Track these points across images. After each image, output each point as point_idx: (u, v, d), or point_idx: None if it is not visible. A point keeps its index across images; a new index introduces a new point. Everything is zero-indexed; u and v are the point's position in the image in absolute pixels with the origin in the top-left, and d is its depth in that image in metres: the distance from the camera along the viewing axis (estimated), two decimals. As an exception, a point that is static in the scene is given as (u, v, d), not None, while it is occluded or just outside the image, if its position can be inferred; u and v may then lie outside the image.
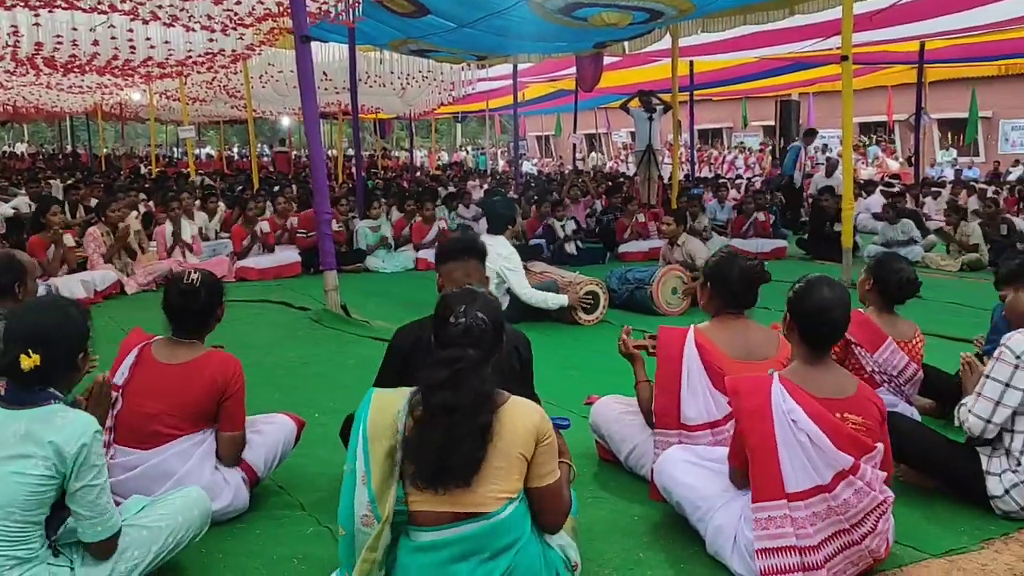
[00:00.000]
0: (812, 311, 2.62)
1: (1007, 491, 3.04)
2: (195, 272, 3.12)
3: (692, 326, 3.26)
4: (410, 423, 2.20)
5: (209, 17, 8.99)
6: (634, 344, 3.46)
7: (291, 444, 3.33)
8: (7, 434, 2.24)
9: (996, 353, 3.05)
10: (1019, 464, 3.02)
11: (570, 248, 10.32)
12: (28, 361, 2.25)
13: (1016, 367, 2.96)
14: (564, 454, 2.54)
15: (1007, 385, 2.98)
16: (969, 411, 3.05)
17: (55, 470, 2.22)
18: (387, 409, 2.25)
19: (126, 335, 3.23)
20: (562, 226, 10.48)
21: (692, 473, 2.87)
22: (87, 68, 12.23)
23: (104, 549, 2.35)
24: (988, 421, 3.01)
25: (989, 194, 13.05)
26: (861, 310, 3.69)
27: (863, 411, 2.60)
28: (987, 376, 3.03)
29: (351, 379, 5.07)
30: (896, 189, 15.13)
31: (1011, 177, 19.84)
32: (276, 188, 13.87)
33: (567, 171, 22.87)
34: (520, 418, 2.22)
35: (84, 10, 8.66)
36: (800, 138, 14.64)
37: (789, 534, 2.49)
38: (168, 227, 8.78)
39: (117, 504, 2.58)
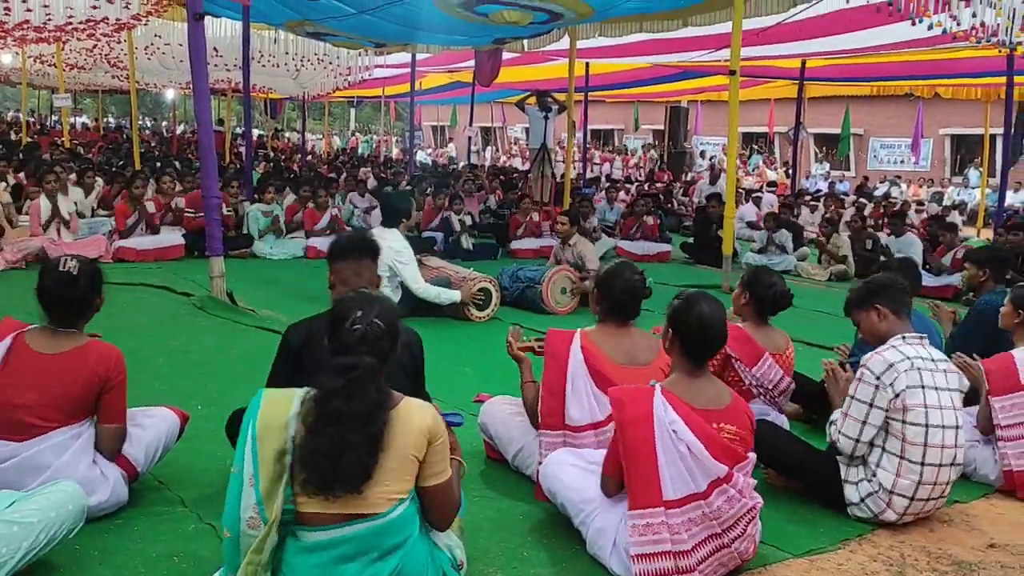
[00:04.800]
0: (693, 326, 2.75)
1: (863, 499, 3.27)
2: (72, 258, 2.96)
3: (579, 330, 3.39)
4: (301, 428, 2.18)
5: (94, -17, 8.55)
6: (521, 346, 3.55)
7: (173, 438, 3.24)
8: None
9: (858, 375, 3.27)
10: (874, 475, 3.25)
11: (466, 243, 10.36)
12: None
13: (876, 387, 3.19)
14: (455, 450, 2.57)
15: (871, 405, 3.20)
16: (840, 432, 3.26)
17: None
18: (278, 409, 2.23)
19: (-5, 322, 3.06)
20: (460, 220, 10.51)
21: (577, 476, 2.97)
22: (-47, 26, 11.41)
23: None
24: (857, 440, 3.23)
25: (866, 211, 13.83)
26: (739, 324, 3.88)
27: (737, 421, 2.76)
28: (852, 397, 3.25)
29: (236, 370, 4.96)
30: (760, 195, 15.88)
31: (878, 192, 21.09)
32: (159, 165, 13.36)
33: (461, 164, 22.88)
34: (413, 420, 2.24)
35: (-45, -34, 8.08)
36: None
37: (665, 540, 2.62)
38: (43, 202, 8.24)
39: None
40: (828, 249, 10.47)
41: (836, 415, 3.35)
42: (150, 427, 3.14)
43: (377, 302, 2.34)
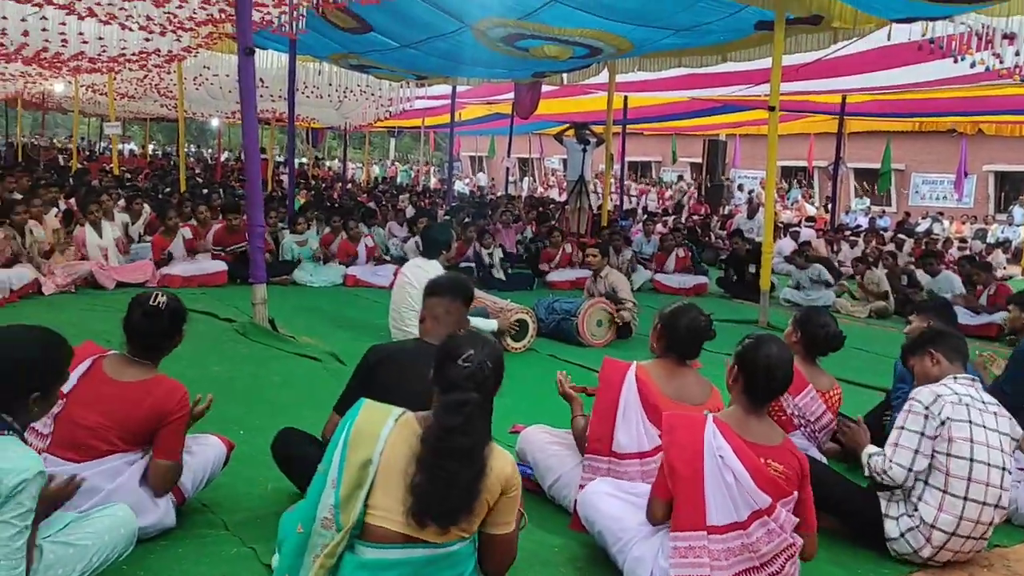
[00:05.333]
0: (759, 367, 2.79)
1: (902, 534, 3.26)
2: (162, 295, 3.08)
3: (635, 362, 3.45)
4: (411, 461, 2.23)
5: (148, 18, 8.85)
6: (572, 386, 3.65)
7: (220, 466, 3.32)
8: None
9: (907, 406, 3.29)
10: (916, 510, 3.25)
11: (497, 274, 10.43)
12: None
13: (926, 416, 3.22)
14: (520, 502, 2.63)
15: (922, 434, 3.22)
16: (891, 461, 3.27)
17: None
18: (373, 422, 2.30)
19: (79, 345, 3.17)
20: (489, 253, 10.60)
21: (615, 505, 3.00)
22: (13, 57, 11.86)
23: None
24: (909, 469, 3.24)
25: (906, 247, 13.69)
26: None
27: (785, 461, 2.78)
28: (903, 428, 3.27)
29: (277, 396, 5.05)
30: (797, 230, 15.73)
31: (920, 229, 20.84)
32: (205, 192, 13.67)
33: (498, 194, 23.05)
34: (495, 465, 2.29)
35: (19, 1, 8.42)
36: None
37: (705, 564, 2.64)
38: (89, 232, 8.49)
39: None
40: (864, 286, 10.37)
41: (872, 448, 3.36)
42: (198, 454, 3.22)
43: (488, 343, 2.42)
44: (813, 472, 3.39)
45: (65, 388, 2.88)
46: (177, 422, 2.99)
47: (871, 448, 3.40)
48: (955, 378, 3.37)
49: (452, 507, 2.20)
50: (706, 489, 2.66)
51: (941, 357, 3.48)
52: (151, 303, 3.01)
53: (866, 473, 3.40)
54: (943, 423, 3.19)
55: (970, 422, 3.20)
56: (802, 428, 3.91)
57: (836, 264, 12.61)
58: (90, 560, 2.49)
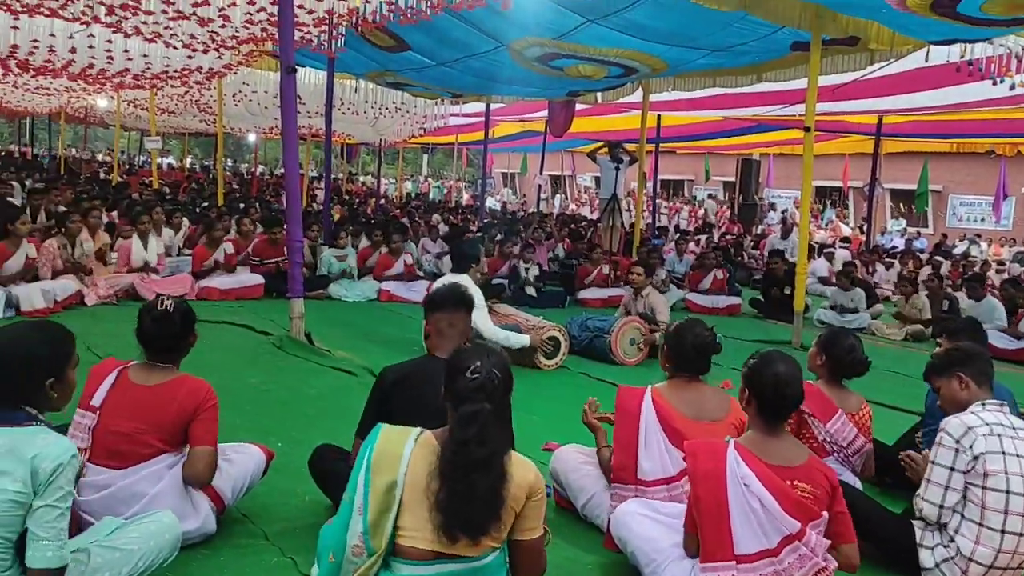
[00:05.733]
0: (768, 385, 2.78)
1: (937, 565, 3.21)
2: (168, 299, 3.16)
3: (649, 386, 3.45)
4: (433, 476, 2.27)
5: (192, 37, 9.06)
6: (597, 416, 3.65)
7: (259, 475, 3.39)
8: None
9: (937, 439, 3.24)
10: (952, 541, 3.20)
11: (530, 290, 10.48)
12: None
13: (956, 450, 3.15)
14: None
15: (952, 469, 3.16)
16: (922, 498, 3.23)
17: (28, 486, 2.26)
18: (393, 444, 2.35)
19: (99, 361, 3.28)
20: (526, 269, 10.64)
21: (648, 526, 3.01)
22: (60, 73, 12.17)
23: None
24: (940, 506, 3.19)
25: (943, 269, 13.50)
26: (811, 382, 3.88)
27: (812, 480, 2.76)
28: (933, 462, 3.22)
29: (313, 409, 5.13)
30: (832, 251, 15.56)
31: (957, 251, 20.58)
32: (242, 206, 13.87)
33: (530, 211, 23.13)
34: (516, 473, 2.33)
35: (67, 19, 8.67)
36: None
37: (737, 593, 2.63)
38: (135, 243, 8.68)
39: (89, 524, 2.63)
40: (906, 312, 10.24)
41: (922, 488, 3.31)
42: (238, 462, 3.30)
43: (494, 354, 2.46)
44: (846, 497, 3.38)
45: (96, 401, 2.99)
46: (207, 413, 3.07)
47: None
48: (983, 404, 3.29)
49: (478, 518, 2.24)
50: (732, 519, 2.65)
51: (971, 381, 3.39)
52: (158, 308, 3.10)
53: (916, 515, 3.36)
54: (976, 458, 3.12)
55: (1003, 453, 3.12)
56: (835, 454, 3.89)
57: (872, 285, 12.48)
58: (135, 564, 2.56)
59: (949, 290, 11.11)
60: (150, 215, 9.08)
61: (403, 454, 2.32)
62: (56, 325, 2.68)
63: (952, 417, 3.25)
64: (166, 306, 3.11)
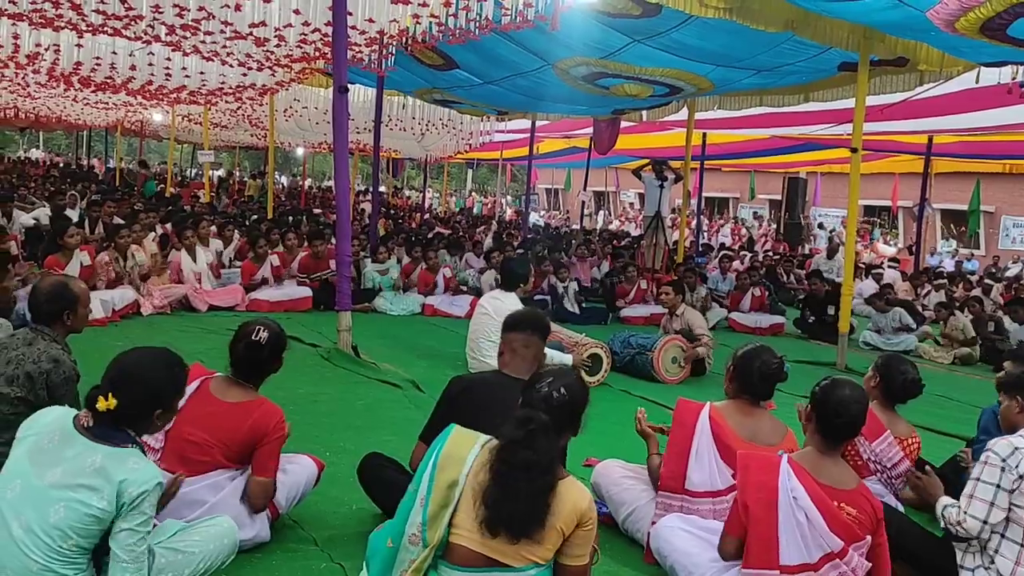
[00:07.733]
0: (831, 407, 2.85)
1: (978, 586, 3.21)
2: (264, 328, 3.29)
3: (709, 402, 3.53)
4: (485, 471, 2.39)
5: (248, 55, 9.32)
6: (650, 425, 3.74)
7: (311, 484, 3.52)
8: (84, 464, 2.41)
9: (983, 458, 3.26)
10: (992, 562, 3.21)
11: (571, 307, 10.53)
12: (103, 403, 2.44)
13: (1003, 469, 3.18)
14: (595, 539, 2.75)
15: (998, 487, 3.18)
16: (966, 513, 3.23)
17: (112, 506, 2.37)
18: (461, 446, 2.49)
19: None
20: (564, 287, 10.70)
21: (688, 541, 3.08)
22: (120, 88, 12.59)
23: None
24: (984, 522, 3.19)
25: (994, 292, 13.27)
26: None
27: (859, 506, 2.81)
28: (979, 479, 3.23)
29: (360, 420, 5.24)
30: (880, 271, 15.33)
31: (1009, 273, 20.16)
32: (291, 219, 14.14)
33: (573, 228, 23.18)
34: (571, 497, 2.42)
35: (129, 39, 8.99)
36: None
37: (776, 603, 2.68)
38: (184, 257, 8.94)
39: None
40: (948, 333, 10.10)
41: (947, 500, 3.34)
42: (292, 472, 3.42)
43: (570, 376, 2.62)
44: (888, 519, 3.40)
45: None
46: (274, 443, 3.20)
47: (945, 499, 3.38)
48: None
49: (517, 516, 2.33)
50: (779, 529, 2.72)
51: None
52: (253, 338, 3.24)
53: (942, 525, 3.38)
54: (1022, 477, 3.14)
55: None
56: (878, 474, 3.90)
57: (920, 308, 12.28)
58: (196, 566, 2.68)
59: (997, 312, 10.92)
60: (195, 229, 9.31)
61: (468, 456, 2.45)
62: (178, 359, 2.76)
63: (1000, 438, 3.28)
64: (260, 337, 3.25)
